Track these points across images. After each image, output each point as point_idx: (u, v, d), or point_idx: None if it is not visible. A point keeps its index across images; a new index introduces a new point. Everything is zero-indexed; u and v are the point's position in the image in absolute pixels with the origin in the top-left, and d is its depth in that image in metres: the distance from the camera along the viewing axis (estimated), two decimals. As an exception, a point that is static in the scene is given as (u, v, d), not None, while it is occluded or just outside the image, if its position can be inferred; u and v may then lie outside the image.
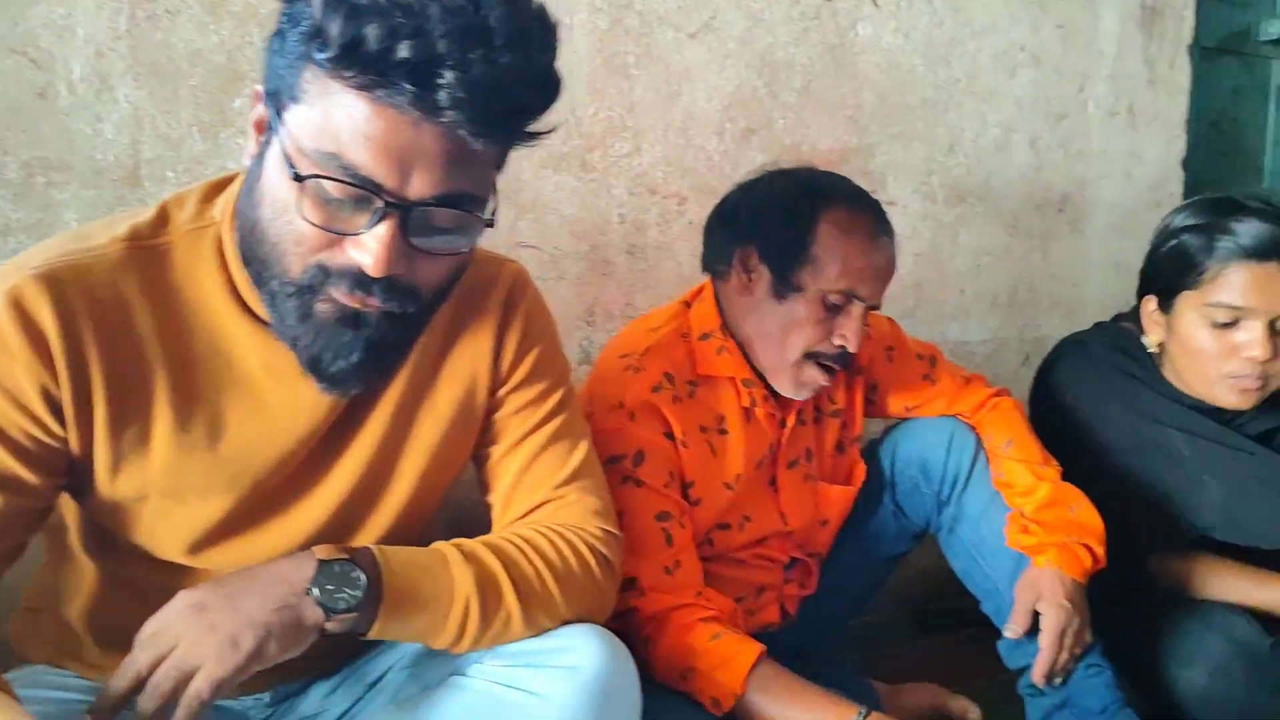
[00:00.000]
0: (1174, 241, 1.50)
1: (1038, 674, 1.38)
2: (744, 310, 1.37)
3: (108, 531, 0.96)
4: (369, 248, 0.81)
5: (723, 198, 1.44)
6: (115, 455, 0.90)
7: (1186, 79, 2.45)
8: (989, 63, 2.15)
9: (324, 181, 0.80)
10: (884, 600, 2.05)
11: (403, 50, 0.75)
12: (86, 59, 1.37)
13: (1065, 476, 1.50)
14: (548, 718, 0.90)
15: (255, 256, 0.86)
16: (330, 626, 0.86)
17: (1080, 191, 2.32)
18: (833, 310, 1.32)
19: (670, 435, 1.31)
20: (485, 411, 1.06)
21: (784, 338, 1.33)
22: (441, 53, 0.76)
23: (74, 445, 0.88)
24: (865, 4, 1.98)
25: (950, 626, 1.99)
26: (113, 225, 0.91)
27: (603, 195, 1.76)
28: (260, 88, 0.86)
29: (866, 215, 1.35)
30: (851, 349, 1.33)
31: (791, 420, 1.44)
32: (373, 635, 0.89)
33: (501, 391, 1.06)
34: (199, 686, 0.81)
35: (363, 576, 0.87)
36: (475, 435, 1.07)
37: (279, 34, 0.82)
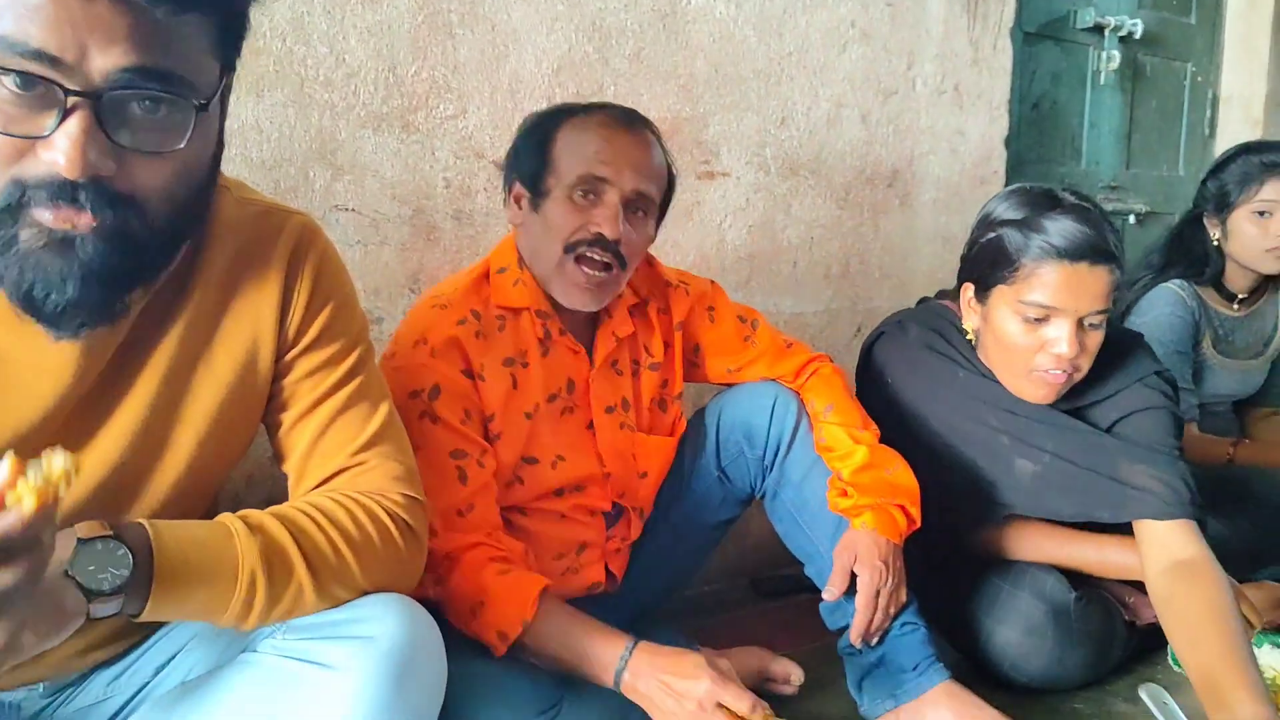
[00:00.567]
0: (993, 234, 1.53)
1: (855, 634, 1.42)
2: (522, 238, 1.42)
3: None
4: (59, 146, 0.74)
5: None
6: None
7: (1009, 61, 2.55)
8: (820, 37, 2.18)
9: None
10: (720, 569, 2.07)
11: None
12: None
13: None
14: (341, 690, 0.85)
15: None
16: (96, 610, 0.79)
17: (909, 166, 2.38)
18: (586, 202, 1.35)
19: (469, 374, 1.33)
20: (272, 376, 1.00)
21: (547, 242, 1.37)
22: None
23: None
24: (697, -28, 1.97)
25: (784, 593, 2.03)
26: None
27: (427, 158, 1.70)
28: None
29: (604, 112, 1.41)
30: (609, 235, 1.34)
31: (600, 357, 1.46)
32: (146, 617, 0.82)
33: (290, 355, 1.00)
34: None
35: (130, 555, 0.80)
36: (262, 402, 1.01)
37: None
